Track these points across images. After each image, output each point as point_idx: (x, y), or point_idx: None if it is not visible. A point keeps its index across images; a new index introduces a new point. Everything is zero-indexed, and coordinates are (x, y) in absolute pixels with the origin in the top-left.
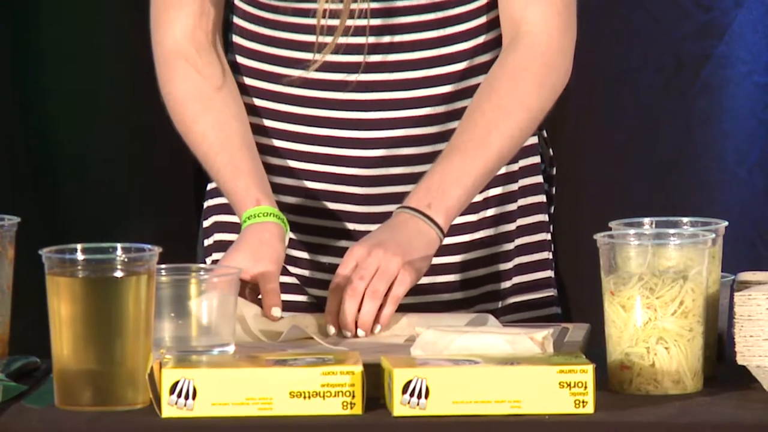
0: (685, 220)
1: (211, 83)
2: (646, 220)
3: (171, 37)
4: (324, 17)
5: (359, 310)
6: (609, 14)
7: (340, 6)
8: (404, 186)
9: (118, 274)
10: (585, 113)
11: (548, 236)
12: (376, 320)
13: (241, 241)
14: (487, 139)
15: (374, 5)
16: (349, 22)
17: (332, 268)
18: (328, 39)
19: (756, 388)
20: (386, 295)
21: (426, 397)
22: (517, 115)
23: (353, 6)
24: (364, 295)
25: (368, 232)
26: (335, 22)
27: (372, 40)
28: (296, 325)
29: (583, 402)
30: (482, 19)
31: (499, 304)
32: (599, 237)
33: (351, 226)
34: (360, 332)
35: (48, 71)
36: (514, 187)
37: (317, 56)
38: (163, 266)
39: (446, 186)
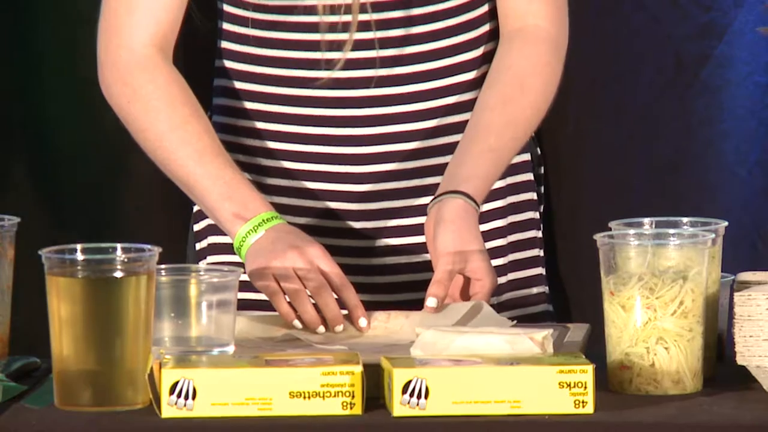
0: (685, 220)
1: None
2: (646, 220)
3: (140, 42)
4: (325, 12)
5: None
6: (609, 14)
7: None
8: (399, 182)
9: (118, 274)
10: (585, 113)
11: (539, 234)
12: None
13: (283, 238)
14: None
15: (363, 17)
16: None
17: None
18: (334, 36)
19: (756, 388)
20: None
21: (426, 397)
22: (535, 88)
23: (360, 18)
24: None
25: (364, 229)
26: (333, 18)
27: (362, 54)
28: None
29: (582, 402)
30: (466, 56)
31: (494, 301)
32: (599, 237)
33: (347, 224)
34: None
35: (48, 71)
36: (502, 183)
37: (335, 54)
38: (163, 266)
39: (484, 171)
